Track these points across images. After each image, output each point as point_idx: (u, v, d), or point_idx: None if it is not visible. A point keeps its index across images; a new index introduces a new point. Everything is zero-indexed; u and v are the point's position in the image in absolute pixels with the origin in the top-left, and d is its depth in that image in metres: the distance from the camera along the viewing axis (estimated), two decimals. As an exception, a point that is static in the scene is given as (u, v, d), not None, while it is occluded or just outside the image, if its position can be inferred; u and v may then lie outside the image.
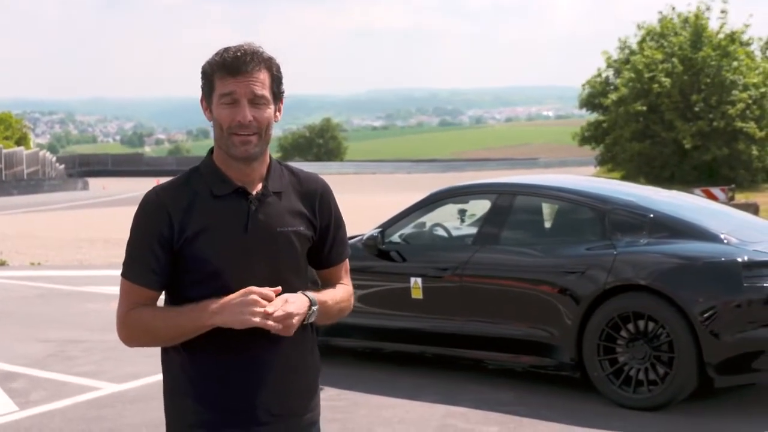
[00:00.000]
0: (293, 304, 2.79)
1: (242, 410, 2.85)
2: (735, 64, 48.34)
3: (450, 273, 8.12)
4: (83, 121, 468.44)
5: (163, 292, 2.92)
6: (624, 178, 45.60)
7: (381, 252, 8.55)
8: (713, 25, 50.75)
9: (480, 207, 8.82)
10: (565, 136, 67.86)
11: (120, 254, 2.92)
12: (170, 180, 2.94)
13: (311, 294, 2.88)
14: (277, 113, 2.91)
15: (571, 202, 8.10)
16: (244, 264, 2.83)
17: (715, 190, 24.00)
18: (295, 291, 2.85)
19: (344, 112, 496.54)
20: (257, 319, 2.72)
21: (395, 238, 8.68)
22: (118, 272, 2.94)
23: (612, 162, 53.93)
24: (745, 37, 51.33)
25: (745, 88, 48.27)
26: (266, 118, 2.84)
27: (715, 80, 48.14)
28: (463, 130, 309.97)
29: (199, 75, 2.90)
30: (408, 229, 8.79)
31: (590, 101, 55.78)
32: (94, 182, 76.79)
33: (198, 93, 2.94)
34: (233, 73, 2.80)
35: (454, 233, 8.91)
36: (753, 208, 20.66)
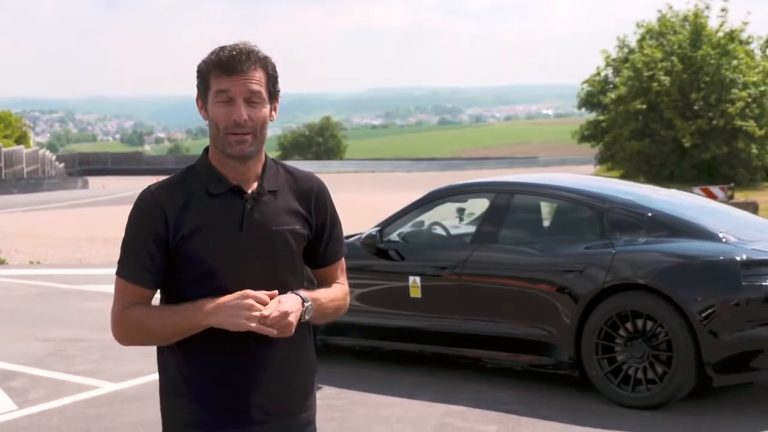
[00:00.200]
0: (286, 303, 2.78)
1: (238, 409, 2.84)
2: (734, 62, 48.31)
3: (448, 272, 8.11)
4: (83, 120, 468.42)
5: (159, 291, 2.92)
6: (623, 176, 45.58)
7: (379, 251, 8.54)
8: (713, 23, 50.79)
9: (479, 206, 8.82)
10: (565, 134, 67.90)
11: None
12: (165, 179, 2.94)
13: (302, 292, 2.88)
14: (273, 112, 2.91)
15: (570, 200, 8.09)
16: (240, 263, 2.82)
17: (715, 189, 23.98)
18: (290, 290, 2.85)
19: (344, 110, 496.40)
20: (253, 324, 2.72)
21: (394, 236, 8.67)
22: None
23: (611, 160, 53.93)
24: (744, 36, 51.31)
25: (745, 86, 48.24)
26: (262, 117, 2.84)
27: (715, 79, 48.11)
28: (463, 128, 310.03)
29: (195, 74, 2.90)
30: (406, 228, 8.78)
31: (589, 100, 55.77)
32: (93, 181, 76.84)
33: (197, 92, 2.94)
34: (229, 72, 2.80)
35: (453, 232, 8.91)
36: (752, 207, 20.66)
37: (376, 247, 8.52)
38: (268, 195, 2.90)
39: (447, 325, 8.12)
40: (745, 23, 51.36)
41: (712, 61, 48.12)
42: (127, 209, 2.92)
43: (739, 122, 47.42)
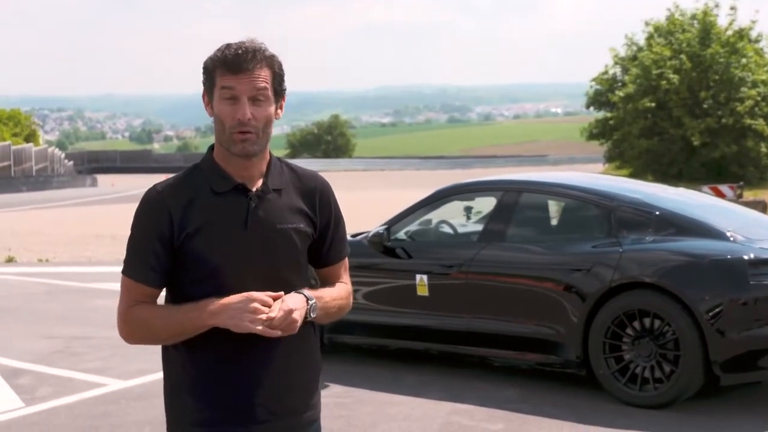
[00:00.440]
0: (290, 301, 2.78)
1: (242, 408, 2.84)
2: (744, 61, 48.19)
3: (456, 270, 8.11)
4: (92, 118, 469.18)
5: (164, 290, 2.93)
6: (632, 175, 45.49)
7: (387, 249, 8.54)
8: (722, 21, 50.66)
9: (486, 204, 8.80)
10: (574, 132, 67.83)
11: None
12: (171, 177, 2.94)
13: (307, 291, 2.88)
14: (279, 110, 2.91)
15: (577, 199, 8.07)
16: (244, 261, 2.82)
17: (724, 188, 23.93)
18: (294, 289, 2.85)
19: (352, 109, 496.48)
20: (259, 327, 2.72)
21: (401, 235, 8.67)
22: (123, 269, 2.94)
23: (620, 159, 53.82)
24: (753, 34, 51.18)
25: (754, 85, 48.12)
26: (266, 116, 2.83)
27: (724, 77, 47.98)
28: (472, 126, 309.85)
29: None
30: (414, 226, 8.78)
31: (597, 99, 55.65)
32: (102, 179, 76.94)
33: (206, 90, 2.95)
34: (234, 70, 2.79)
35: (460, 230, 8.90)
36: (761, 206, 20.60)
37: (383, 245, 8.52)
38: (272, 193, 2.89)
39: (454, 323, 8.11)
40: (754, 21, 51.26)
41: (721, 60, 48.00)
42: (136, 207, 2.92)
43: (748, 120, 47.30)
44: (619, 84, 53.43)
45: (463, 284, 8.05)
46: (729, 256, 7.02)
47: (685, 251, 7.19)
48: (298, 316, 2.78)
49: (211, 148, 2.95)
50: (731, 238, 7.22)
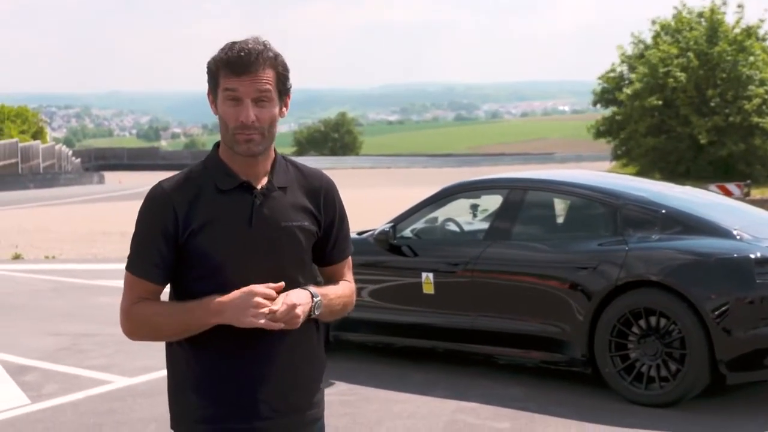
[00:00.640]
0: (295, 296, 2.78)
1: (245, 405, 2.84)
2: (751, 59, 48.12)
3: (461, 268, 8.10)
4: (99, 115, 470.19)
5: (168, 286, 2.93)
6: (639, 173, 45.45)
7: (392, 247, 8.53)
8: (729, 19, 50.55)
9: (492, 202, 8.79)
10: (581, 130, 67.74)
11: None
12: (176, 174, 2.94)
13: (312, 287, 2.88)
14: (284, 108, 2.90)
15: (583, 197, 8.06)
16: (248, 258, 2.82)
17: (731, 186, 23.90)
18: (298, 286, 2.85)
19: (359, 106, 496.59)
20: (262, 321, 2.72)
21: (407, 232, 8.66)
22: (130, 266, 2.94)
23: (627, 157, 53.75)
24: (761, 32, 51.04)
25: (762, 83, 48.05)
26: (270, 117, 2.83)
27: (731, 75, 47.91)
28: (479, 124, 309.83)
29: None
30: (420, 224, 8.77)
31: (604, 97, 55.56)
32: (110, 176, 77.05)
33: (214, 88, 2.95)
34: (237, 72, 2.78)
35: (466, 228, 8.89)
36: (768, 204, 20.54)
37: (389, 243, 8.51)
38: (277, 191, 2.89)
39: (460, 321, 8.11)
40: (762, 20, 51.11)
41: (729, 58, 47.92)
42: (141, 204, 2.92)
43: (755, 119, 47.24)
44: (626, 82, 53.34)
45: (469, 282, 8.05)
46: (735, 255, 7.00)
47: (692, 250, 7.17)
48: (301, 311, 2.78)
49: (217, 145, 2.95)
50: (738, 237, 7.20)
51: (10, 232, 24.03)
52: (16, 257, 18.18)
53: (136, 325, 2.87)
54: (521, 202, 8.24)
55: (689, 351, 6.93)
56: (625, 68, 55.00)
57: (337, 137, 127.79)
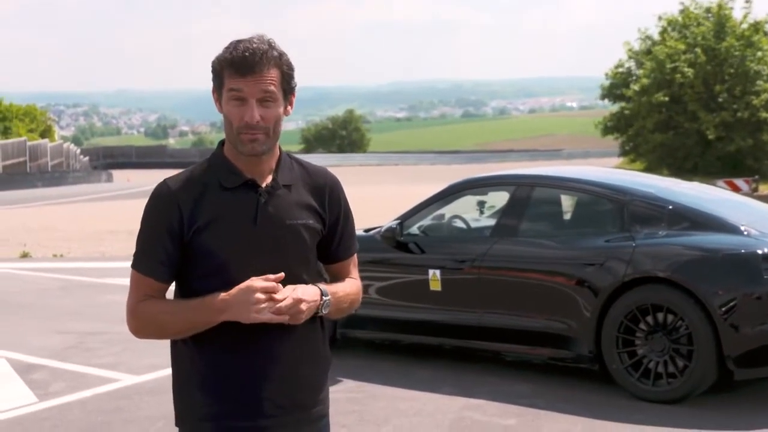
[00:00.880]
0: (302, 291, 2.78)
1: (250, 402, 2.84)
2: (759, 54, 47.96)
3: (468, 265, 8.10)
4: (107, 114, 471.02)
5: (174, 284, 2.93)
6: (647, 169, 45.36)
7: (399, 244, 8.53)
8: (737, 14, 50.42)
9: (499, 199, 8.78)
10: (589, 126, 67.62)
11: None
12: (181, 172, 2.94)
13: (323, 285, 2.88)
14: (289, 107, 2.90)
15: (590, 193, 8.05)
16: (253, 256, 2.82)
17: (739, 182, 23.86)
18: (303, 284, 2.84)
19: (367, 104, 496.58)
20: (266, 316, 2.72)
21: (414, 229, 8.66)
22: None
23: (634, 153, 53.65)
24: (768, 28, 50.92)
25: (770, 78, 47.91)
26: (275, 116, 2.83)
27: (739, 70, 47.78)
28: (487, 121, 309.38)
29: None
30: (427, 221, 8.76)
31: (612, 92, 55.43)
32: (118, 174, 77.14)
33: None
34: (242, 72, 2.78)
35: (473, 225, 8.88)
36: (776, 200, 20.50)
37: (396, 240, 8.51)
38: (282, 189, 2.89)
39: (467, 318, 8.10)
40: (770, 15, 50.99)
41: (737, 53, 47.78)
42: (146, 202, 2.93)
43: (763, 114, 47.10)
44: (634, 78, 53.21)
45: (476, 279, 8.04)
46: (743, 251, 6.98)
47: (699, 245, 7.16)
48: (306, 307, 2.78)
49: (222, 143, 2.95)
50: (745, 233, 7.18)
51: (18, 230, 24.07)
52: (24, 256, 18.21)
53: (142, 323, 2.87)
54: (528, 198, 8.23)
55: (697, 347, 6.91)
56: (632, 64, 54.86)
57: (344, 134, 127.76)
